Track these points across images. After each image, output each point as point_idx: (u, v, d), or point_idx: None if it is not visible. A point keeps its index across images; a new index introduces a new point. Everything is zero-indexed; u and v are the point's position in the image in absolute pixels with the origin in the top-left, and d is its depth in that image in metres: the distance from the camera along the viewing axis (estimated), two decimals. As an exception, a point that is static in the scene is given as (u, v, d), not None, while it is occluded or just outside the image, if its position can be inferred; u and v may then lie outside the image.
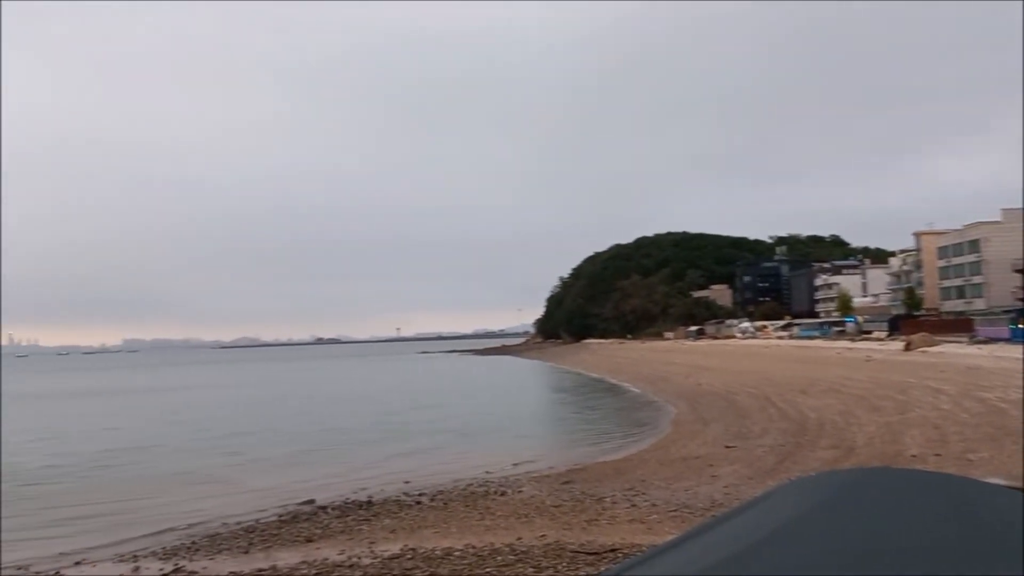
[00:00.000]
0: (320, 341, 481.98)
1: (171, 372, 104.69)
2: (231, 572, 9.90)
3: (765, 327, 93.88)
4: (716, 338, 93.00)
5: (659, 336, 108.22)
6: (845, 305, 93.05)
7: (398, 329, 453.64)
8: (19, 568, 11.08)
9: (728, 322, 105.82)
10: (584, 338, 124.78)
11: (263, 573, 9.66)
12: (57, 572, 10.78)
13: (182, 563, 10.74)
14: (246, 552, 11.35)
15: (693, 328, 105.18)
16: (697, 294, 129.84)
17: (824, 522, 1.39)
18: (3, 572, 10.95)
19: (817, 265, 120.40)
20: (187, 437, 28.54)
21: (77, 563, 11.31)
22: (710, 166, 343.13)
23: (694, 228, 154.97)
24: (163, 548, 12.01)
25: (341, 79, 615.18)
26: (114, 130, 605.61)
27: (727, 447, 19.24)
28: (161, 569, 10.52)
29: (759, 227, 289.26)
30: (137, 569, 10.68)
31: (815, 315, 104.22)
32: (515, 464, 18.92)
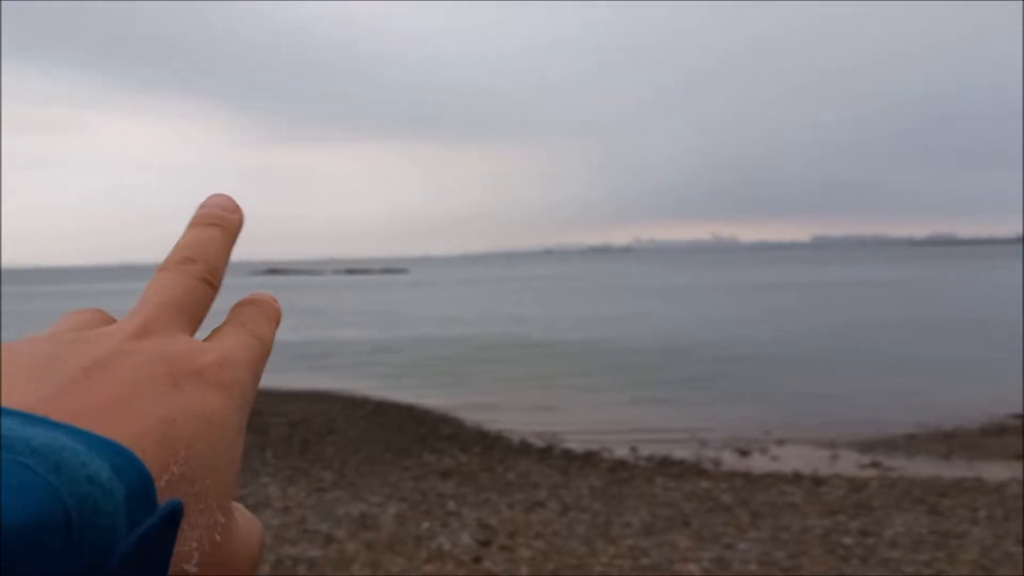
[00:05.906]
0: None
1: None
2: (932, 475, 9.70)
3: None
4: None
5: None
6: None
7: None
8: (733, 437, 12.77)
9: None
10: None
11: (967, 482, 9.21)
12: (763, 446, 12.09)
13: (879, 459, 10.95)
14: (946, 459, 10.96)
15: None
16: None
17: None
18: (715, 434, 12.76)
19: None
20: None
21: (780, 441, 12.49)
22: None
23: None
24: (860, 440, 12.39)
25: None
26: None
27: None
28: (859, 461, 10.90)
29: None
30: (836, 456, 11.27)
31: None
32: None
